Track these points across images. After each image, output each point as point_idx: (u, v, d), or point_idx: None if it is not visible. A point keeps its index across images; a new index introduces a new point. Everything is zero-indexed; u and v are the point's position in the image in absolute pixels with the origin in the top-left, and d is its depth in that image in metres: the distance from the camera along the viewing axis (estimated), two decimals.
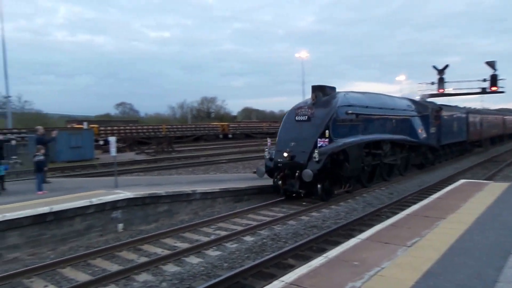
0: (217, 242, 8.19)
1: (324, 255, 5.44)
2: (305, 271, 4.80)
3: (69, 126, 42.55)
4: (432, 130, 19.19)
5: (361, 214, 10.14)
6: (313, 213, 10.74)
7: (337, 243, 7.26)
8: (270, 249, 7.78)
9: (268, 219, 10.01)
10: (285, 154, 11.77)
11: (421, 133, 17.97)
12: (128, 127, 44.08)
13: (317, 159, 11.17)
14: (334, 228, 8.90)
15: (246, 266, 6.62)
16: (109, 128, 40.94)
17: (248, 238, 8.55)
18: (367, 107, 13.80)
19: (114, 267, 7.02)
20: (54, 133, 14.37)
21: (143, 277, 6.57)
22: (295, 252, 7.44)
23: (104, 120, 56.77)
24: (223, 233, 8.88)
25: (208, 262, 7.11)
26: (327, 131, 11.63)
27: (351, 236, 7.35)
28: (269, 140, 14.05)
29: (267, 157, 12.58)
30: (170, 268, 6.95)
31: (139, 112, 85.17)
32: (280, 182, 11.93)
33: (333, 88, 13.49)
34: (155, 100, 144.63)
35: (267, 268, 6.70)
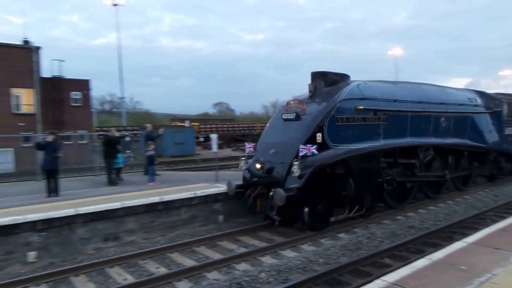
0: (311, 238, 8.29)
1: (428, 257, 5.21)
2: (408, 272, 4.66)
3: (173, 124, 46.16)
4: (509, 131, 14.37)
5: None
6: (410, 213, 10.29)
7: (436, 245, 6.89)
8: (366, 248, 7.65)
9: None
10: (258, 166, 8.87)
11: (491, 135, 13.50)
12: (225, 125, 46.50)
13: (297, 174, 7.94)
14: (434, 229, 8.43)
15: (342, 263, 6.62)
16: (208, 126, 43.51)
17: (343, 235, 8.50)
18: (395, 101, 9.90)
19: (216, 255, 7.54)
20: (160, 131, 15.82)
21: (243, 266, 6.95)
22: (392, 252, 7.22)
23: (203, 119, 60.38)
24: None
25: (304, 257, 7.24)
26: (318, 134, 8.32)
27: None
28: (247, 144, 10.30)
29: (244, 167, 9.53)
30: (268, 259, 7.25)
31: (234, 111, 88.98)
32: (256, 202, 8.74)
33: (343, 76, 9.82)
34: (250, 100, 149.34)
35: (363, 266, 6.62)
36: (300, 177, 7.92)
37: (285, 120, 9.14)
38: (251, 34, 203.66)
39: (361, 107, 8.98)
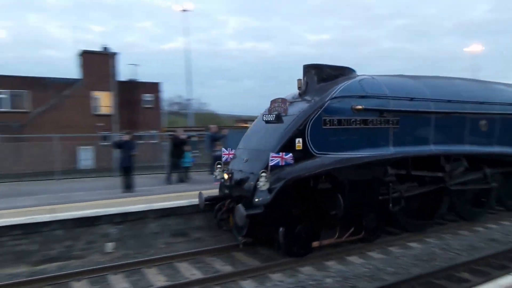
0: (380, 245, 7.96)
1: None
2: None
3: (237, 124, 47.05)
4: None
5: None
6: (491, 225, 9.49)
7: None
8: (440, 259, 7.18)
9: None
10: (225, 176, 7.75)
11: None
12: None
13: (264, 188, 6.50)
14: None
15: (414, 274, 6.27)
16: None
17: (415, 245, 8.06)
18: (412, 99, 7.90)
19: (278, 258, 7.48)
20: (224, 131, 16.18)
21: (308, 270, 6.87)
22: (470, 266, 6.70)
23: None
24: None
25: (371, 264, 6.97)
26: (298, 140, 6.78)
27: None
28: (224, 150, 8.47)
29: (218, 177, 8.07)
30: (334, 265, 7.08)
31: None
32: (229, 217, 7.50)
33: (344, 70, 8.07)
34: None
35: (437, 279, 6.22)
36: (270, 191, 6.48)
37: (266, 122, 7.67)
38: (316, 34, 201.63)
39: (360, 106, 7.18)
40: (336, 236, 7.34)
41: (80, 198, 8.07)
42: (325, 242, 7.24)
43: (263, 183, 6.42)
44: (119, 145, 11.86)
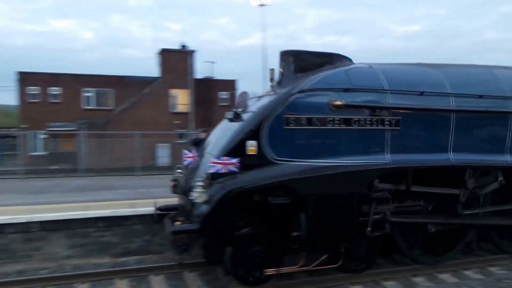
0: (373, 277, 6.35)
1: None
2: None
3: None
4: None
5: None
6: None
7: None
8: None
9: None
10: (171, 184, 6.63)
11: None
12: None
13: (198, 200, 5.31)
14: None
15: None
16: None
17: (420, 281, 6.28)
18: (422, 93, 6.04)
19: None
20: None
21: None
22: None
23: None
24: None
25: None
26: (250, 143, 5.42)
27: None
28: (186, 152, 6.90)
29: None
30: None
31: None
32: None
33: (331, 57, 6.43)
34: None
35: None
36: (207, 204, 5.29)
37: (227, 120, 6.39)
38: (404, 25, 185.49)
39: (340, 102, 5.59)
40: (300, 264, 5.83)
41: (158, 195, 8.01)
42: (285, 270, 5.77)
43: (197, 194, 5.30)
44: (196, 143, 11.87)
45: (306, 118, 5.57)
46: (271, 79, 6.47)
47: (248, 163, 5.39)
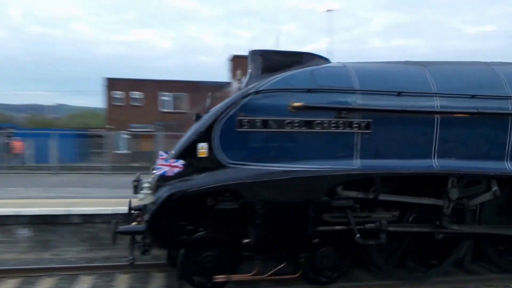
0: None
1: None
2: None
3: None
4: None
5: None
6: None
7: None
8: None
9: None
10: (133, 184, 6.35)
11: None
12: None
13: (145, 201, 5.41)
14: None
15: None
16: None
17: None
18: (399, 94, 5.42)
19: None
20: None
21: None
22: None
23: None
24: None
25: None
26: (201, 145, 5.24)
27: None
28: (162, 153, 5.98)
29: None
30: None
31: None
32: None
33: (303, 56, 5.94)
34: None
35: None
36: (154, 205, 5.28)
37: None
38: (477, 25, 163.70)
39: (298, 103, 5.20)
40: (254, 272, 5.55)
41: None
42: (236, 277, 5.50)
43: (142, 196, 5.42)
44: None
45: (262, 120, 5.27)
46: (238, 79, 6.29)
47: (199, 166, 5.28)
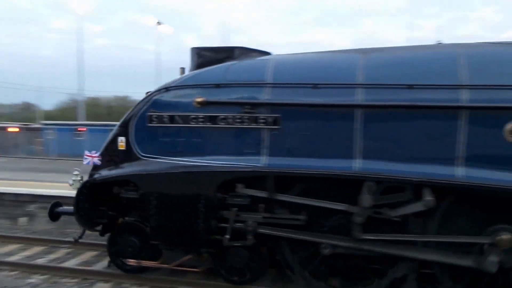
0: None
1: None
2: None
3: None
4: None
5: None
6: None
7: None
8: None
9: None
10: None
11: None
12: None
13: (73, 187, 5.94)
14: None
15: None
16: None
17: None
18: (315, 86, 4.78)
19: None
20: None
21: None
22: None
23: None
24: None
25: None
26: (120, 139, 5.55)
27: None
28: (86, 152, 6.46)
29: None
30: None
31: None
32: None
33: (235, 51, 5.69)
34: None
35: None
36: None
37: None
38: None
39: (200, 99, 5.12)
40: (160, 260, 5.76)
41: None
42: (146, 263, 5.75)
43: (71, 182, 5.99)
44: None
45: (169, 115, 5.33)
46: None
47: (121, 158, 5.63)
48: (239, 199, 5.12)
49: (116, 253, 5.93)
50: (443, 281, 4.91)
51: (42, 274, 6.11)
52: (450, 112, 4.51)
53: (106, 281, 5.86)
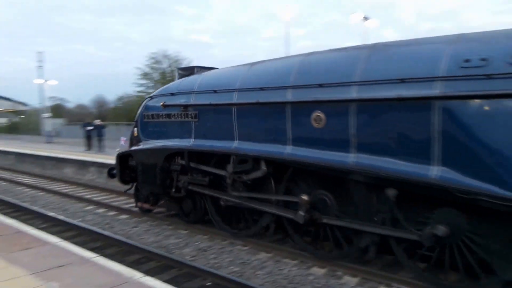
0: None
1: None
2: None
3: None
4: None
5: None
6: None
7: None
8: None
9: None
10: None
11: None
12: None
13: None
14: None
15: None
16: None
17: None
18: (215, 91, 7.16)
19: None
20: None
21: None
22: None
23: None
24: None
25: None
26: (135, 129, 9.10)
27: None
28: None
29: None
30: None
31: None
32: None
33: (193, 70, 8.61)
34: None
35: None
36: None
37: None
38: None
39: (162, 103, 8.08)
40: (150, 204, 8.94)
41: None
42: (145, 206, 8.98)
43: (117, 149, 10.07)
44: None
45: (151, 114, 8.56)
46: None
47: (136, 141, 9.08)
48: (176, 166, 8.04)
49: (136, 199, 9.25)
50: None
51: (267, 252, 6.73)
52: (281, 107, 6.14)
53: (322, 267, 6.07)
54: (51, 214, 9.40)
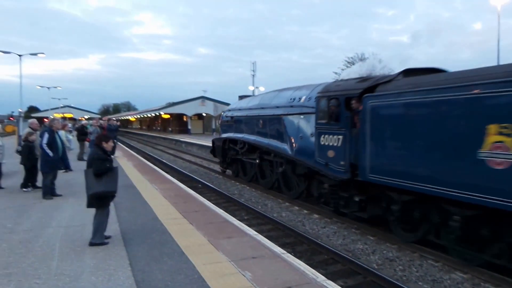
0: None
1: None
2: None
3: None
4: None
5: None
6: None
7: None
8: None
9: None
10: None
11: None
12: None
13: None
14: None
15: None
16: None
17: None
18: (240, 109, 15.15)
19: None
20: None
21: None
22: None
23: None
24: None
25: None
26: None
27: None
28: None
29: None
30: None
31: None
32: None
33: (243, 96, 16.93)
34: None
35: None
36: None
37: None
38: None
39: (227, 114, 16.36)
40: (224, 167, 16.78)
41: None
42: (222, 168, 16.88)
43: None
44: None
45: (222, 120, 17.29)
46: None
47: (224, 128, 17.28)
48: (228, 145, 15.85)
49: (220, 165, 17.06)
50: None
51: (463, 272, 5.99)
52: (256, 118, 13.47)
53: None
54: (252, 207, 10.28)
